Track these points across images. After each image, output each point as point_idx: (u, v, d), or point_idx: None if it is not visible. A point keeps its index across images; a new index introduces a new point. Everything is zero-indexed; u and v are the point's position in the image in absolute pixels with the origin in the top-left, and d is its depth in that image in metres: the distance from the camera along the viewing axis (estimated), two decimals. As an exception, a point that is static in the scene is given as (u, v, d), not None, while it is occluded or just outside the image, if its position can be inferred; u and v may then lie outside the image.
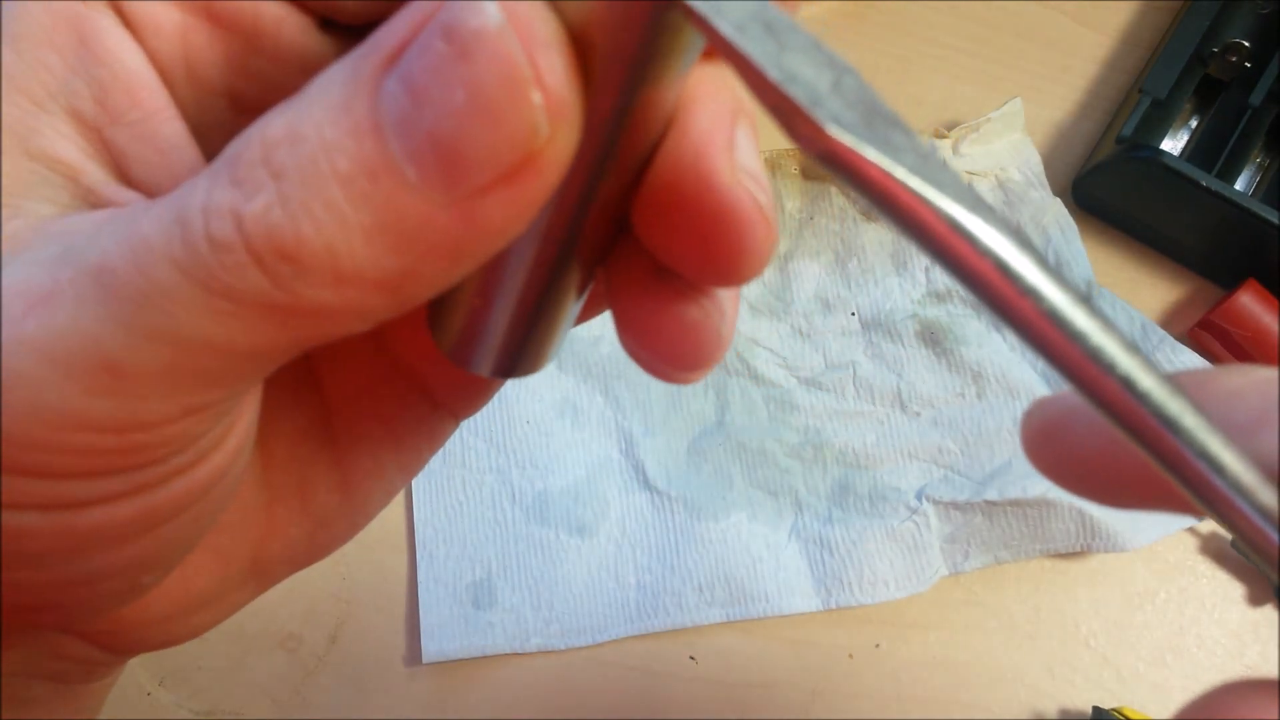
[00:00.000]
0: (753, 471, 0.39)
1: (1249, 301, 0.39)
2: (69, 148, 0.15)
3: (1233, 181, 0.40)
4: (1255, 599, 0.38)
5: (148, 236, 0.13)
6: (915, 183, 0.12)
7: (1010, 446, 0.38)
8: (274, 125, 0.13)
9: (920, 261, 0.41)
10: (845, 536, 0.38)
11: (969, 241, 0.12)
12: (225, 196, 0.13)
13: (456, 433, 0.39)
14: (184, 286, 0.13)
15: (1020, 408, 0.39)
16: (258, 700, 0.37)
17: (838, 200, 0.42)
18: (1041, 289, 0.11)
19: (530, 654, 0.37)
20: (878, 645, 0.38)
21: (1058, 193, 0.42)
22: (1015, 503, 0.37)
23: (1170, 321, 0.42)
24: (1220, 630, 0.38)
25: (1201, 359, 0.39)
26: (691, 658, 0.38)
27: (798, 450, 0.39)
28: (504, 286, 0.15)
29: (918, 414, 0.39)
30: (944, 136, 0.41)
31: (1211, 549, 0.39)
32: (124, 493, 0.15)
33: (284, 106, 0.13)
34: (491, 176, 0.12)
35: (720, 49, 0.11)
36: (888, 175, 0.12)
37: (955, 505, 0.38)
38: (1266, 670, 0.37)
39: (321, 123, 0.12)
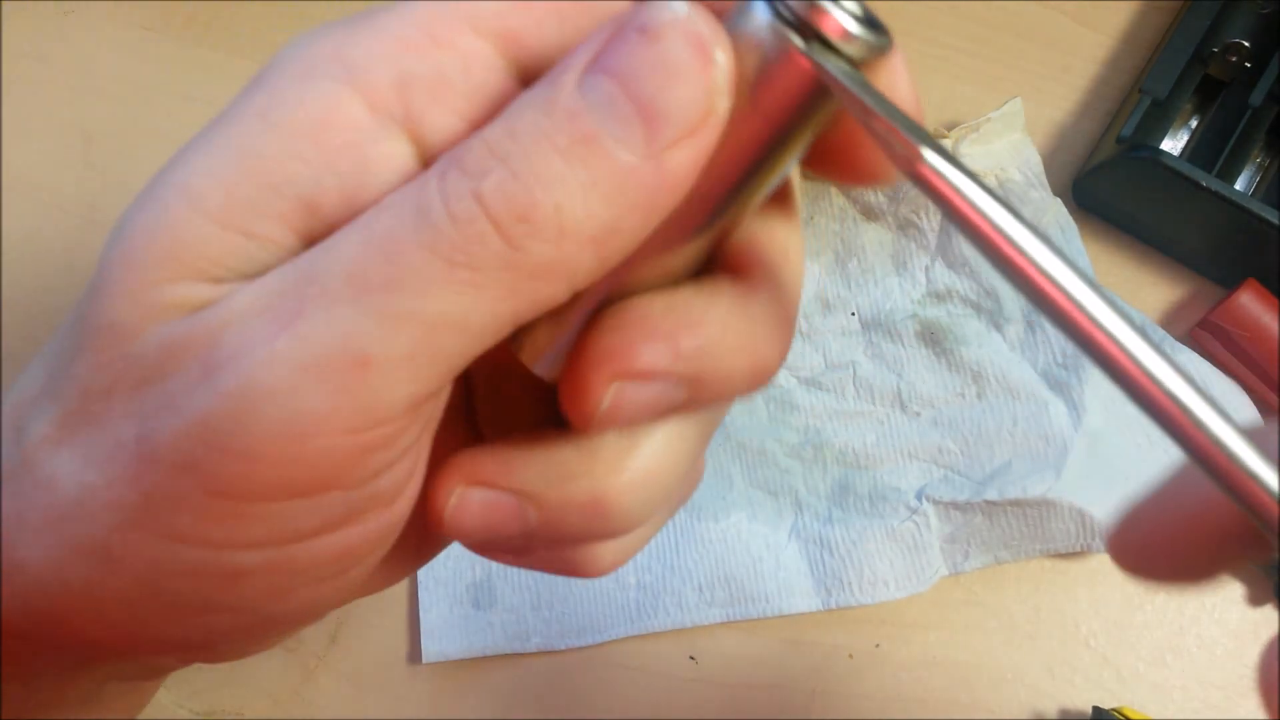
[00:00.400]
0: (753, 471, 0.39)
1: (1249, 302, 0.39)
2: (286, 226, 0.17)
3: (1233, 181, 0.40)
4: (1255, 599, 0.38)
5: (390, 228, 0.16)
6: (983, 199, 0.15)
7: (1010, 446, 0.38)
8: (490, 130, 0.16)
9: (920, 261, 0.41)
10: (845, 536, 0.38)
11: (1006, 239, 0.15)
12: (460, 181, 0.15)
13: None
14: (431, 264, 0.15)
15: (1021, 408, 0.38)
16: (258, 700, 0.37)
17: (837, 200, 0.42)
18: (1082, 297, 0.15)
19: (530, 654, 0.37)
20: (878, 645, 0.38)
21: (1058, 193, 0.42)
22: (1015, 503, 0.37)
23: (1170, 321, 0.42)
24: (1220, 630, 0.38)
25: (1202, 359, 0.39)
26: (691, 658, 0.38)
27: (798, 450, 0.39)
28: (586, 300, 0.18)
29: (918, 414, 0.39)
30: (944, 136, 0.41)
31: (1211, 549, 0.39)
32: (338, 521, 0.17)
33: (493, 123, 0.16)
34: (681, 130, 0.16)
35: (839, 92, 0.15)
36: (964, 197, 0.15)
37: (955, 505, 0.37)
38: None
39: (534, 118, 0.15)
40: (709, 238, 0.18)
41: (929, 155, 0.15)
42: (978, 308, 0.40)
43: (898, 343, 0.40)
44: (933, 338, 0.40)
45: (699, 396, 0.18)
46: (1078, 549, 0.37)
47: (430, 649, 0.36)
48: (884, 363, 0.40)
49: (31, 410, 0.18)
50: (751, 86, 0.16)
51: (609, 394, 0.17)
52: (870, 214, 0.42)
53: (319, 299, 0.16)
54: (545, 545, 0.20)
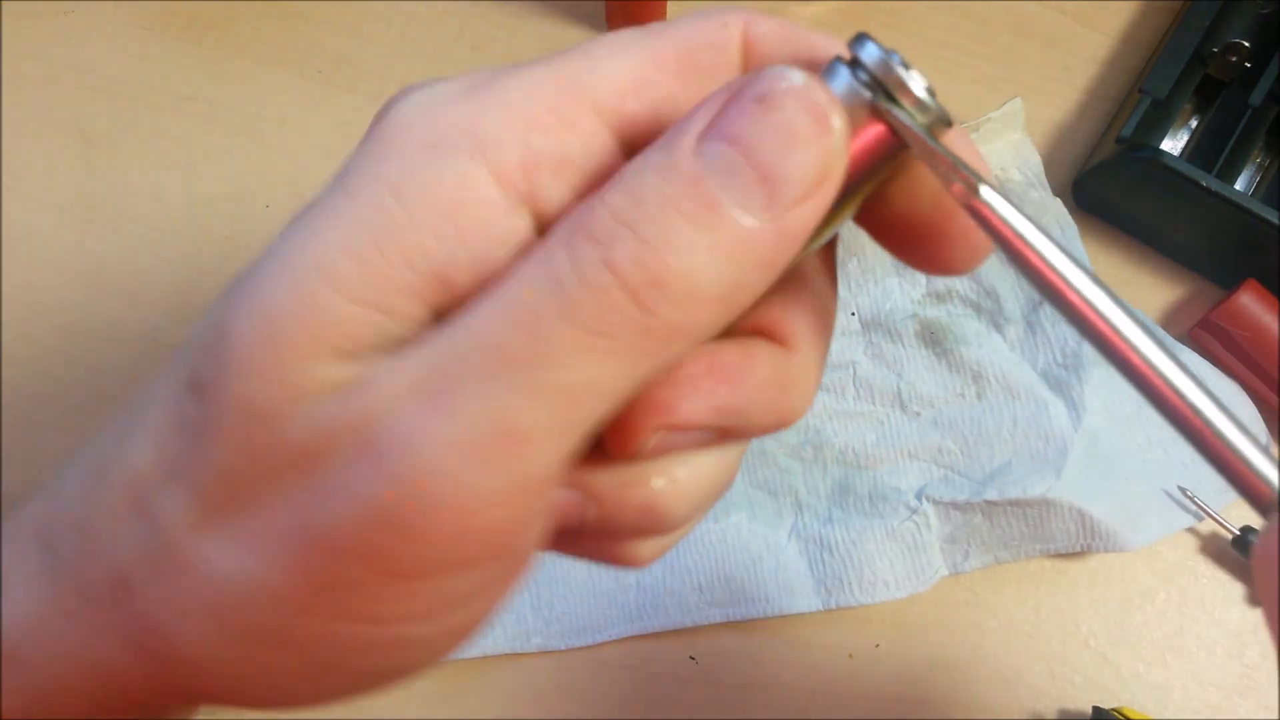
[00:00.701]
0: (753, 471, 0.39)
1: (1249, 302, 0.39)
2: (420, 301, 0.17)
3: (1233, 182, 0.40)
4: (1255, 599, 0.38)
5: (528, 302, 0.16)
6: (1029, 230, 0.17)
7: (1010, 446, 0.38)
8: (612, 197, 0.16)
9: None
10: (845, 537, 0.38)
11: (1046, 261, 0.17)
12: (591, 250, 0.16)
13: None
14: (570, 334, 0.16)
15: (1020, 408, 0.38)
16: (258, 700, 0.37)
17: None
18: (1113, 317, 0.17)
19: (530, 654, 0.37)
20: (878, 645, 0.38)
21: (1058, 192, 0.42)
22: (1015, 503, 0.37)
23: (1170, 322, 0.42)
24: (1220, 630, 0.38)
25: (1202, 359, 0.39)
26: (691, 658, 0.38)
27: (798, 450, 0.39)
28: None
29: (918, 414, 0.39)
30: None
31: (1211, 549, 0.39)
32: (495, 582, 0.18)
33: (613, 189, 0.16)
34: (801, 193, 0.17)
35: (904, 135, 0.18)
36: (1013, 229, 0.17)
37: (955, 505, 0.37)
38: (1266, 670, 0.37)
39: (656, 184, 0.16)
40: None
41: (984, 192, 0.17)
42: (977, 308, 0.40)
43: (898, 343, 0.40)
44: (933, 338, 0.40)
45: (731, 438, 0.20)
46: (1077, 549, 0.37)
47: None
48: (884, 363, 0.40)
49: (158, 491, 0.18)
50: None
51: (652, 439, 0.19)
52: None
53: (468, 378, 0.16)
54: (596, 539, 0.21)
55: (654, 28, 0.19)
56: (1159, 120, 0.41)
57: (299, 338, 0.17)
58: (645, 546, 0.22)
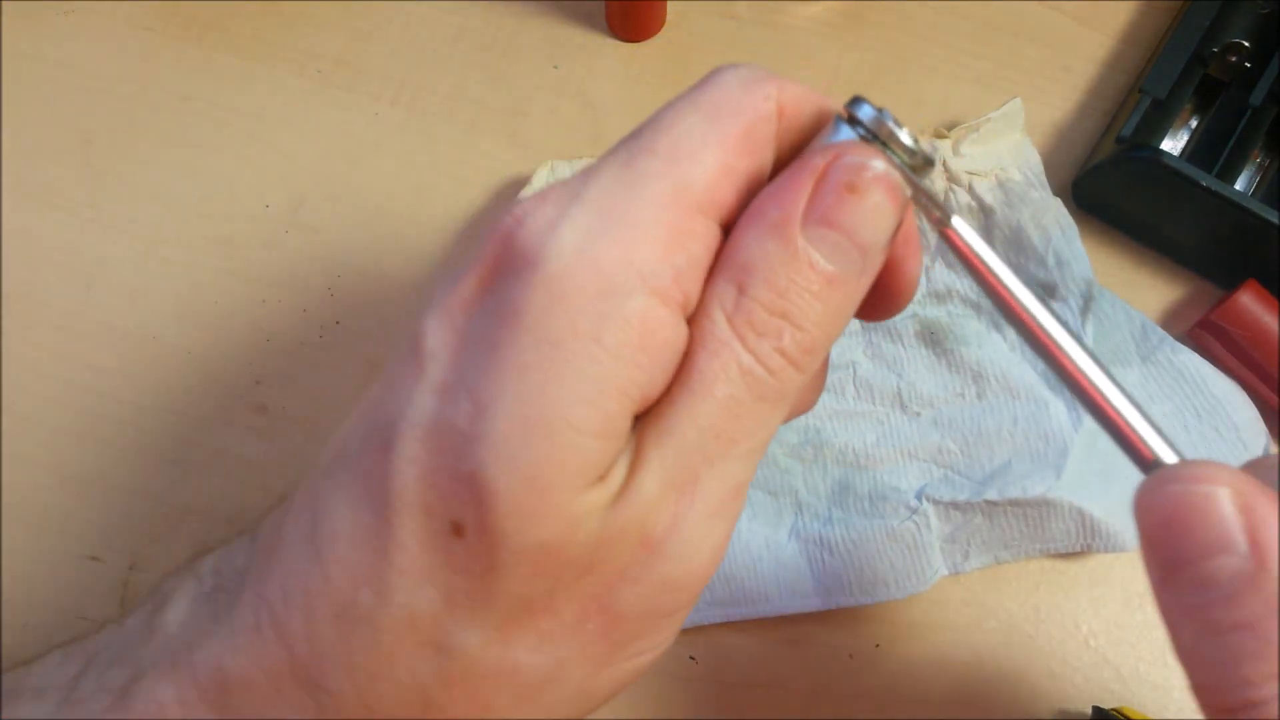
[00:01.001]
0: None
1: (1249, 302, 0.39)
2: (632, 417, 0.22)
3: (1233, 181, 0.40)
4: (1255, 599, 0.38)
5: (730, 395, 0.21)
6: (994, 261, 0.23)
7: (1010, 446, 0.38)
8: (759, 292, 0.21)
9: (920, 261, 0.41)
10: (845, 536, 0.37)
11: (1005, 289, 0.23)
12: (765, 343, 0.21)
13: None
14: (763, 408, 0.22)
15: (1020, 408, 0.38)
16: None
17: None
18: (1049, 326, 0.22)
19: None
20: (877, 645, 0.38)
21: (1057, 192, 0.42)
22: (1015, 503, 0.37)
23: (1170, 322, 0.42)
24: (1220, 630, 0.38)
25: (1202, 359, 0.39)
26: (691, 658, 0.38)
27: (798, 450, 0.39)
28: None
29: (918, 414, 0.39)
30: (944, 136, 0.41)
31: (1211, 549, 0.38)
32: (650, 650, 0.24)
33: (756, 284, 0.21)
34: (883, 251, 0.22)
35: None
36: (979, 257, 0.23)
37: (955, 505, 0.37)
38: (1266, 670, 0.37)
39: (789, 275, 0.21)
40: None
41: (955, 222, 0.23)
42: (978, 308, 0.40)
43: (898, 343, 0.40)
44: (933, 338, 0.40)
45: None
46: (1078, 549, 0.37)
47: None
48: (884, 363, 0.40)
49: (449, 626, 0.21)
50: None
51: None
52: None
53: (702, 464, 0.21)
54: None
55: (708, 102, 0.23)
56: (1159, 120, 0.41)
57: (564, 478, 0.20)
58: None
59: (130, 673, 0.24)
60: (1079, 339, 0.22)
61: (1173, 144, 0.42)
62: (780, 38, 0.46)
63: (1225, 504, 0.19)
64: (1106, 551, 0.37)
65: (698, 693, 0.37)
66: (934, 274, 0.41)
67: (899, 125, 0.22)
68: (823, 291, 0.21)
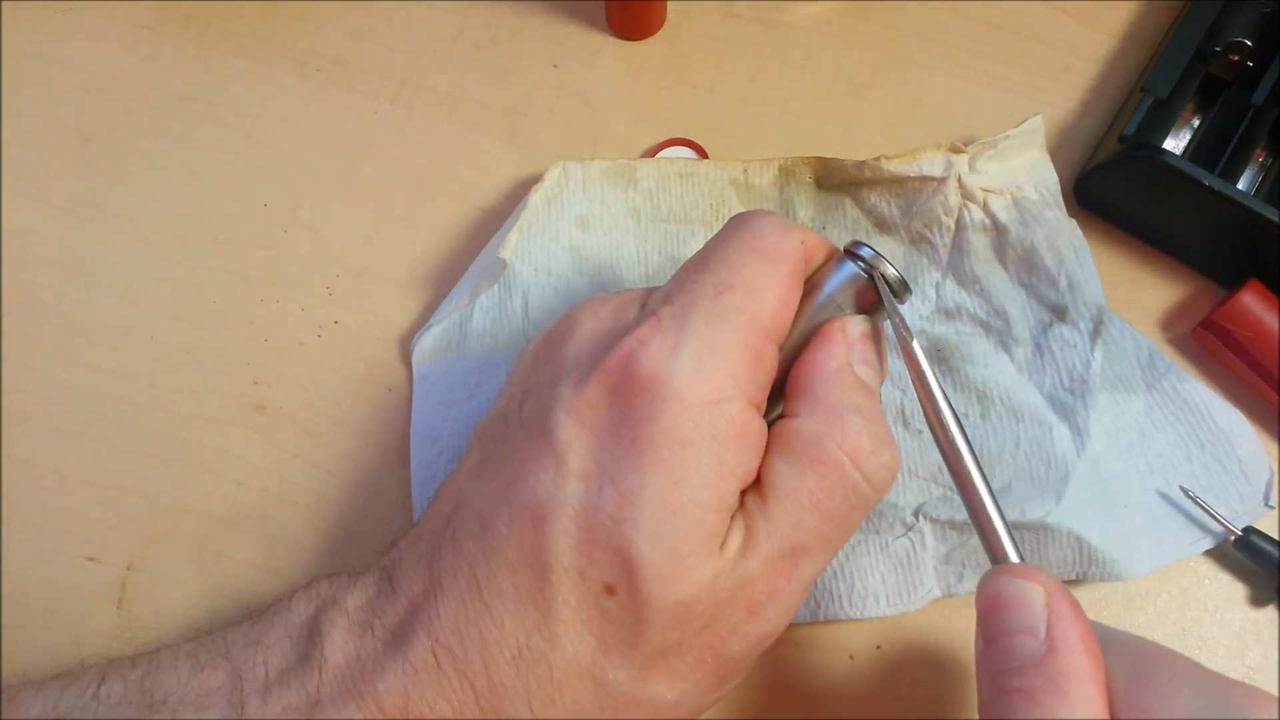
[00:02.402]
0: None
1: (1251, 301, 0.39)
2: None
3: (1235, 181, 0.40)
4: (1258, 600, 0.38)
5: (835, 506, 0.28)
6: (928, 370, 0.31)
7: (1011, 468, 0.37)
8: (852, 422, 0.29)
9: (931, 276, 0.40)
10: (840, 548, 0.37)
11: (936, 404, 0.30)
12: (868, 461, 0.29)
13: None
14: (858, 516, 0.29)
15: (1024, 430, 0.38)
16: None
17: (851, 211, 0.41)
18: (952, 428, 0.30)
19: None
20: (878, 647, 0.38)
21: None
22: (1013, 526, 0.36)
23: (1172, 321, 0.42)
24: (1222, 631, 0.38)
25: (1208, 389, 0.39)
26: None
27: None
28: None
29: (920, 431, 0.39)
30: (961, 151, 0.40)
31: (1213, 551, 0.38)
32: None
33: (846, 418, 0.29)
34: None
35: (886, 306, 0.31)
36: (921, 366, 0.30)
37: (953, 524, 0.37)
38: (1268, 671, 0.37)
39: (860, 405, 0.29)
40: None
41: (914, 344, 0.31)
42: (986, 327, 0.40)
43: (902, 360, 0.40)
44: (939, 355, 0.39)
45: None
46: (1073, 576, 0.37)
47: None
48: (889, 378, 0.39)
49: (605, 667, 0.27)
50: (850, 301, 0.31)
51: None
52: (883, 226, 0.41)
53: (806, 556, 0.28)
54: None
55: (763, 247, 0.30)
56: (1161, 119, 0.41)
57: (694, 547, 0.27)
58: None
59: (306, 697, 0.28)
60: (975, 456, 0.29)
61: (1175, 143, 0.42)
62: (780, 37, 0.46)
63: (1037, 599, 0.25)
64: (1101, 580, 0.37)
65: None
66: (944, 290, 0.40)
67: (888, 262, 0.31)
68: (871, 406, 0.29)
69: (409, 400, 0.40)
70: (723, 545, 0.27)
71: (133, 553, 0.39)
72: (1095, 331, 0.38)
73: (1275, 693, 0.24)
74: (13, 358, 0.41)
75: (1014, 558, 0.28)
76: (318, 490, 0.39)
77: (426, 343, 0.40)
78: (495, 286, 0.40)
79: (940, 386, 0.30)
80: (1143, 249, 0.42)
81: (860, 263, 0.31)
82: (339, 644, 0.28)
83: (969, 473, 0.29)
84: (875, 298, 0.31)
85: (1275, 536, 0.37)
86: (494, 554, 0.28)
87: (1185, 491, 0.37)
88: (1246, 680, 0.37)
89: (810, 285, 0.31)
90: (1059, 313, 0.39)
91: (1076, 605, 0.25)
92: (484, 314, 0.40)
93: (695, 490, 0.27)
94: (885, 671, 0.37)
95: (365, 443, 0.40)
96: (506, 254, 0.39)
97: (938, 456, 0.38)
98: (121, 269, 0.42)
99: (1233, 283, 0.40)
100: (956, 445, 0.29)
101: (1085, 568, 0.37)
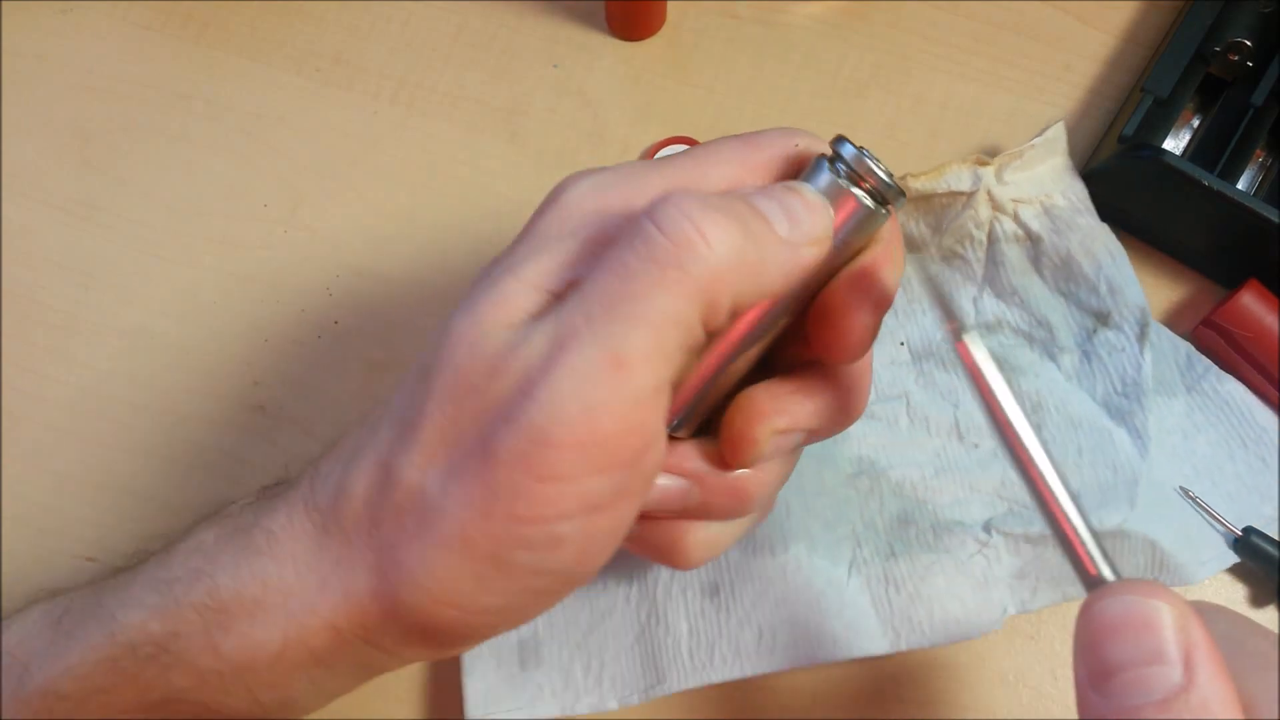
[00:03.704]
0: (809, 502, 0.37)
1: (1251, 301, 0.39)
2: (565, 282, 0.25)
3: (1235, 181, 0.40)
4: (1258, 600, 0.38)
5: (620, 255, 0.24)
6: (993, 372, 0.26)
7: (1076, 478, 0.37)
8: (674, 199, 0.24)
9: (968, 293, 0.40)
10: (911, 573, 0.36)
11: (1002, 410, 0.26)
12: (671, 208, 0.24)
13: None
14: (650, 271, 0.23)
15: (1082, 438, 0.37)
16: None
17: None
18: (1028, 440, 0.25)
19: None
20: (878, 646, 0.38)
21: (1059, 192, 0.42)
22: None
23: (1173, 321, 0.42)
24: (1222, 631, 0.38)
25: (1248, 389, 0.39)
26: (691, 659, 0.37)
27: (853, 481, 0.38)
28: (711, 380, 0.28)
29: (976, 445, 0.38)
30: (986, 164, 0.39)
31: (1213, 550, 0.38)
32: (620, 493, 0.24)
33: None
34: (809, 238, 0.25)
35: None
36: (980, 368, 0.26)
37: (1028, 538, 0.36)
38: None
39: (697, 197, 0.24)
40: (783, 326, 0.28)
41: (968, 337, 0.26)
42: (1030, 338, 0.39)
43: (951, 373, 0.39)
44: None
45: (815, 438, 0.29)
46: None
47: (474, 712, 0.35)
48: (938, 393, 0.39)
49: (397, 452, 0.25)
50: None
51: (769, 442, 0.28)
52: (913, 245, 0.41)
53: (586, 323, 0.23)
54: (667, 531, 0.29)
55: (751, 139, 0.27)
56: (1161, 119, 0.41)
57: (492, 313, 0.24)
58: (702, 544, 0.29)
59: (187, 540, 0.28)
60: (1056, 465, 0.25)
61: (1175, 143, 0.42)
62: (781, 36, 0.46)
63: (1167, 620, 0.22)
64: (1173, 584, 0.36)
65: (698, 692, 0.37)
66: (982, 304, 0.40)
67: (875, 161, 0.26)
68: (750, 214, 0.24)
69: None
70: (520, 329, 0.24)
71: (133, 553, 0.38)
72: (1142, 334, 0.38)
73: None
74: (12, 358, 0.41)
75: (1110, 575, 0.24)
76: (318, 490, 0.39)
77: None
78: None
79: (1008, 385, 0.26)
80: (1143, 249, 0.42)
81: (841, 165, 0.26)
82: (245, 498, 0.29)
83: (1044, 479, 0.25)
84: (864, 211, 0.26)
85: (1275, 536, 0.37)
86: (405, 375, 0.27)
87: (1185, 492, 0.37)
88: (1246, 680, 0.37)
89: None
90: (1102, 318, 0.39)
91: (1199, 618, 0.22)
92: None
93: (520, 263, 0.25)
94: (885, 671, 0.37)
95: (365, 443, 0.40)
96: None
97: (999, 471, 0.38)
98: (121, 269, 0.42)
99: (1233, 282, 0.40)
100: (1026, 448, 0.25)
101: (1157, 573, 0.36)
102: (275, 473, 0.39)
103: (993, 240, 0.40)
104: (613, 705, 0.35)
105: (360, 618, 0.25)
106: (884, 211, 0.26)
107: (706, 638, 0.35)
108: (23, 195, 0.43)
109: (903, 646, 0.35)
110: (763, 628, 0.35)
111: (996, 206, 0.40)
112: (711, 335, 0.25)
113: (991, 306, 0.40)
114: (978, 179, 0.39)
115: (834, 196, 0.26)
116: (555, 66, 0.45)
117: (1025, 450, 0.25)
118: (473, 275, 0.42)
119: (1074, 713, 0.37)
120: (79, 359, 0.41)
